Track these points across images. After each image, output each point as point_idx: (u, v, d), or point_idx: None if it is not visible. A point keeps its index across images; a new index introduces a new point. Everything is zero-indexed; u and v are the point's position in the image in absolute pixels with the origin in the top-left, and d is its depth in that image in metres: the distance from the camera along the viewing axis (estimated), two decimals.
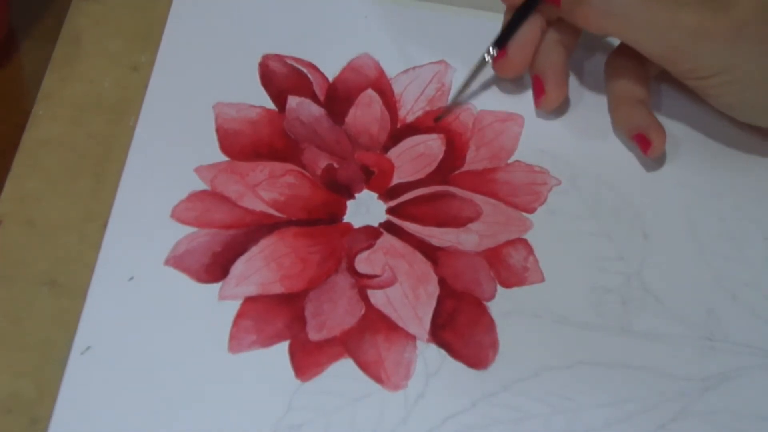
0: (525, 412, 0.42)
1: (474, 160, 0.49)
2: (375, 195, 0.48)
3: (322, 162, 0.48)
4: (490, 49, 0.49)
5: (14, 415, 0.41)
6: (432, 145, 0.49)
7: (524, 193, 0.48)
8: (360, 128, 0.49)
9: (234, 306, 0.44)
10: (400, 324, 0.44)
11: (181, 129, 0.48)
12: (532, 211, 0.48)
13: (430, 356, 0.43)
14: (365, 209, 0.47)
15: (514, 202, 0.48)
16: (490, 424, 0.42)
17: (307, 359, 0.42)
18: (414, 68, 0.51)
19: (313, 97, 0.50)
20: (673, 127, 0.50)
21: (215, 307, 0.43)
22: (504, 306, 0.45)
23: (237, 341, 0.43)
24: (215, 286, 0.44)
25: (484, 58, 0.49)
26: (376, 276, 0.45)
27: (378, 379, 0.42)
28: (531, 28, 0.49)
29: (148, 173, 0.47)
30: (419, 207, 0.47)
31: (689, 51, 0.46)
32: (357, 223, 0.47)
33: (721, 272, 0.47)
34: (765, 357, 0.44)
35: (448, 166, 0.49)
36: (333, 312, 0.44)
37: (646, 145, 0.48)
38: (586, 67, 0.52)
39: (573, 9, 0.47)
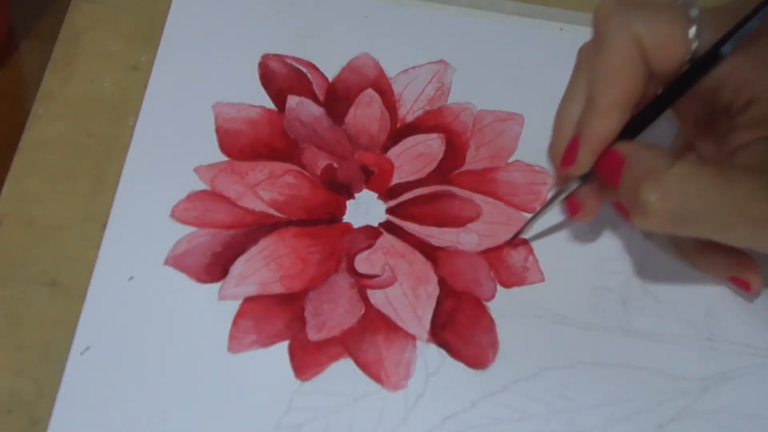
0: (525, 412, 0.42)
1: (474, 159, 0.49)
2: (375, 195, 0.48)
3: (322, 162, 0.48)
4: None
5: (14, 415, 0.41)
6: (432, 145, 0.49)
7: (524, 192, 0.48)
8: (360, 128, 0.49)
9: (234, 306, 0.44)
10: (400, 324, 0.44)
11: (180, 129, 0.48)
12: (532, 210, 0.47)
13: (430, 356, 0.43)
14: (365, 209, 0.47)
15: (514, 202, 0.48)
16: (490, 424, 0.42)
17: (307, 359, 0.42)
18: (414, 68, 0.51)
19: (313, 97, 0.50)
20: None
21: (215, 307, 0.43)
22: (504, 306, 0.45)
23: (237, 341, 0.43)
24: (215, 286, 0.44)
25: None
26: (375, 276, 0.45)
27: (378, 379, 0.42)
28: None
29: (148, 173, 0.47)
30: (419, 207, 0.47)
31: None
32: (357, 223, 0.47)
33: None
34: (765, 357, 0.44)
35: (448, 166, 0.49)
36: (333, 312, 0.44)
37: (745, 286, 0.45)
38: None
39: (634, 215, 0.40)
